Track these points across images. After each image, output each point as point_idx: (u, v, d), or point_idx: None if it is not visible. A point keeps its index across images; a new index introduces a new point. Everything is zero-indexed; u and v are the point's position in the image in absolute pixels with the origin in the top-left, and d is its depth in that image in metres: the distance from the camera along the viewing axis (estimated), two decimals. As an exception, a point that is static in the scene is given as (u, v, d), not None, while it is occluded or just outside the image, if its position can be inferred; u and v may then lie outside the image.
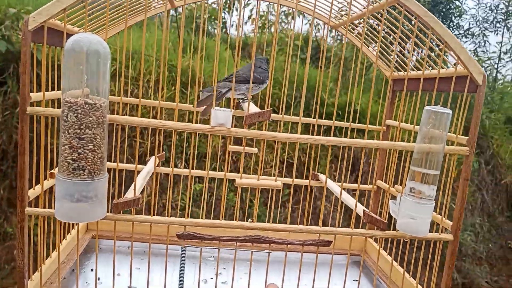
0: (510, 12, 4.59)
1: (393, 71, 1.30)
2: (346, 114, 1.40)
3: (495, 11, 4.64)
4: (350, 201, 1.11)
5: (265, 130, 0.92)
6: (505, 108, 4.09)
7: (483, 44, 4.66)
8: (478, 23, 4.67)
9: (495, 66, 4.81)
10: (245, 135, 0.90)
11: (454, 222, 0.98)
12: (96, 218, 0.82)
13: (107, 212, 0.85)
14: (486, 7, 4.65)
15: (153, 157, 1.25)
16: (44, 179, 1.00)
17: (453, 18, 4.39)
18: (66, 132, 0.77)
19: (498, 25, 4.67)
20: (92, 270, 1.21)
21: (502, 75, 5.06)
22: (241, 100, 1.30)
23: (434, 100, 1.04)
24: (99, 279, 1.14)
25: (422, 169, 0.91)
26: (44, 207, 0.93)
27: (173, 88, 2.69)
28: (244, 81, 1.19)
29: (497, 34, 4.73)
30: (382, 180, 1.39)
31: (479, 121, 0.94)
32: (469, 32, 4.62)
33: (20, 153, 0.85)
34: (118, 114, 0.89)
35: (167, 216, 0.96)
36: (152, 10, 1.20)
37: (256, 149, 1.31)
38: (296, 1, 1.02)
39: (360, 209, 1.01)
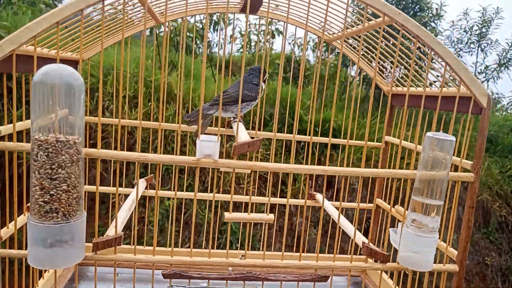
0: (484, 33, 4.68)
1: (392, 87, 1.24)
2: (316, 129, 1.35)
3: (469, 32, 4.75)
4: (348, 227, 1.05)
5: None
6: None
7: None
8: (453, 44, 4.80)
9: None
10: (234, 167, 0.84)
11: (459, 252, 0.92)
12: (73, 263, 0.75)
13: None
14: (461, 29, 4.78)
15: (140, 181, 1.18)
16: (21, 214, 0.94)
17: None
18: (37, 172, 0.70)
19: (472, 46, 4.79)
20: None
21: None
22: (232, 119, 1.24)
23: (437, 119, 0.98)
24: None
25: (425, 199, 0.85)
26: (20, 247, 0.86)
27: (149, 103, 2.65)
28: (235, 101, 1.13)
29: (471, 54, 4.85)
30: (381, 199, 1.33)
31: (484, 146, 0.88)
32: None
33: (-11, 192, 0.78)
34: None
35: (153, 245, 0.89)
36: (132, 29, 1.13)
37: (249, 170, 1.25)
38: (287, 15, 0.95)
39: (359, 239, 0.95)
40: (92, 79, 2.59)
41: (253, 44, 4.27)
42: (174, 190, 0.88)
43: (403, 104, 1.22)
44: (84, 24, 0.96)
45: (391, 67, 1.25)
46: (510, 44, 4.81)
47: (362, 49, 1.22)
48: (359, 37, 1.16)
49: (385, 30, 1.00)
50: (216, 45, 4.34)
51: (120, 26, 1.11)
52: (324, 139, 1.27)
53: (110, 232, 0.84)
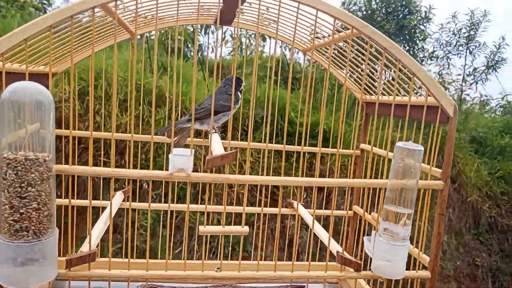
0: (472, 36, 4.75)
1: (364, 95, 1.26)
2: (310, 133, 1.36)
3: (457, 35, 4.82)
4: (323, 235, 1.06)
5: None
6: (470, 128, 4.22)
7: (447, 66, 4.88)
8: (442, 47, 4.87)
9: (461, 87, 5.04)
10: (208, 181, 0.85)
11: (431, 259, 0.94)
12: (45, 281, 0.75)
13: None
14: (449, 31, 4.84)
15: (118, 193, 1.18)
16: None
17: (417, 41, 4.60)
18: (6, 191, 0.70)
19: (461, 48, 4.85)
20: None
21: (471, 97, 5.30)
22: (209, 129, 1.25)
23: (407, 124, 1.00)
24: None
25: (396, 208, 0.86)
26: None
27: (140, 107, 2.68)
28: (209, 114, 1.14)
29: (460, 57, 4.91)
30: (358, 205, 1.34)
31: (452, 154, 0.90)
32: (434, 55, 4.82)
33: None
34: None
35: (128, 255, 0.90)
36: (104, 43, 1.14)
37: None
38: (257, 25, 0.96)
39: (333, 248, 0.95)
40: (82, 83, 2.60)
41: (243, 47, 4.30)
42: (148, 202, 0.88)
43: (378, 112, 1.24)
44: (56, 38, 0.97)
45: (363, 75, 1.26)
46: (497, 46, 4.88)
47: (337, 59, 1.23)
48: (340, 48, 1.18)
49: (358, 42, 1.01)
50: (208, 48, 4.37)
51: (97, 37, 1.12)
52: (297, 148, 1.28)
53: (84, 248, 0.84)
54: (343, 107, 0.93)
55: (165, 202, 2.56)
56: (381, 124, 1.16)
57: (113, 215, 1.09)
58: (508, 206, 3.76)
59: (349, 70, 1.27)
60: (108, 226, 0.90)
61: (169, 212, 0.88)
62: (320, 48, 1.24)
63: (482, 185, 3.75)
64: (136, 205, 1.24)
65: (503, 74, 5.07)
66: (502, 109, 5.50)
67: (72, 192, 1.21)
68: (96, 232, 0.92)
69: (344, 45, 1.18)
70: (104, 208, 1.21)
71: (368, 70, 1.20)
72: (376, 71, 1.19)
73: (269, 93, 1.00)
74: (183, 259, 0.87)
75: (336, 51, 1.21)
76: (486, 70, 4.99)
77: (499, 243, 3.66)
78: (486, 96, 5.52)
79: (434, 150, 0.92)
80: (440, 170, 0.91)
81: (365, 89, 1.26)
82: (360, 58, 1.14)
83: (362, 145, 1.32)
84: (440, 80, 4.82)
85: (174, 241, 2.74)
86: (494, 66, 4.95)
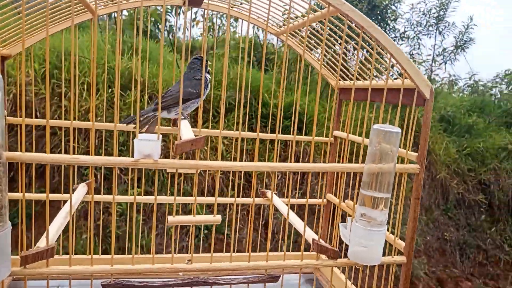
0: (441, 16, 4.79)
1: (339, 80, 1.22)
2: (285, 115, 1.32)
3: (427, 15, 4.84)
4: (298, 224, 1.03)
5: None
6: (439, 107, 4.31)
7: (417, 46, 4.92)
8: (412, 27, 4.88)
9: (430, 68, 5.12)
10: (176, 167, 0.80)
11: (406, 244, 0.92)
12: (-2, 280, 0.69)
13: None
14: (420, 12, 4.85)
15: (81, 185, 1.11)
16: None
17: (389, 21, 4.60)
18: None
19: (430, 28, 4.89)
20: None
21: (440, 77, 5.38)
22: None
23: (383, 109, 0.97)
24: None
25: (373, 193, 0.84)
26: None
27: (110, 90, 2.56)
28: (178, 102, 1.06)
29: (430, 37, 4.96)
30: (332, 194, 1.32)
31: (428, 137, 0.87)
32: (405, 35, 4.85)
33: None
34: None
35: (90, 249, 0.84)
36: (63, 23, 1.04)
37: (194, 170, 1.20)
38: (228, 7, 0.90)
39: (309, 236, 0.93)
40: (48, 65, 2.47)
41: (216, 28, 4.18)
42: (113, 194, 0.82)
43: (348, 98, 1.20)
44: (8, 14, 0.88)
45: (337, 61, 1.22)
46: (466, 26, 4.95)
47: (310, 41, 1.18)
48: (313, 29, 1.13)
49: (333, 22, 0.97)
50: (179, 30, 4.24)
51: (56, 15, 1.03)
52: (271, 136, 1.23)
53: (41, 244, 0.78)
54: (318, 96, 0.88)
55: (139, 187, 2.48)
56: (354, 110, 1.12)
57: (74, 208, 1.03)
58: (475, 182, 3.88)
59: (325, 55, 1.22)
60: (72, 218, 0.84)
61: (135, 205, 0.82)
62: (294, 31, 1.18)
63: (450, 163, 3.85)
64: (100, 197, 1.17)
65: (471, 54, 5.17)
66: (469, 88, 5.64)
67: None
68: (55, 226, 0.86)
69: (319, 26, 1.13)
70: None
71: (343, 53, 1.16)
72: (351, 53, 1.15)
73: (244, 75, 0.95)
74: (151, 252, 0.82)
75: (309, 33, 1.16)
76: (455, 50, 5.06)
77: (466, 218, 3.79)
78: (454, 76, 5.63)
79: (410, 134, 0.90)
80: (416, 154, 0.89)
81: (341, 76, 1.22)
82: (333, 39, 1.09)
83: (336, 132, 1.28)
84: (411, 60, 4.87)
85: (151, 228, 2.68)
86: (463, 46, 5.03)
